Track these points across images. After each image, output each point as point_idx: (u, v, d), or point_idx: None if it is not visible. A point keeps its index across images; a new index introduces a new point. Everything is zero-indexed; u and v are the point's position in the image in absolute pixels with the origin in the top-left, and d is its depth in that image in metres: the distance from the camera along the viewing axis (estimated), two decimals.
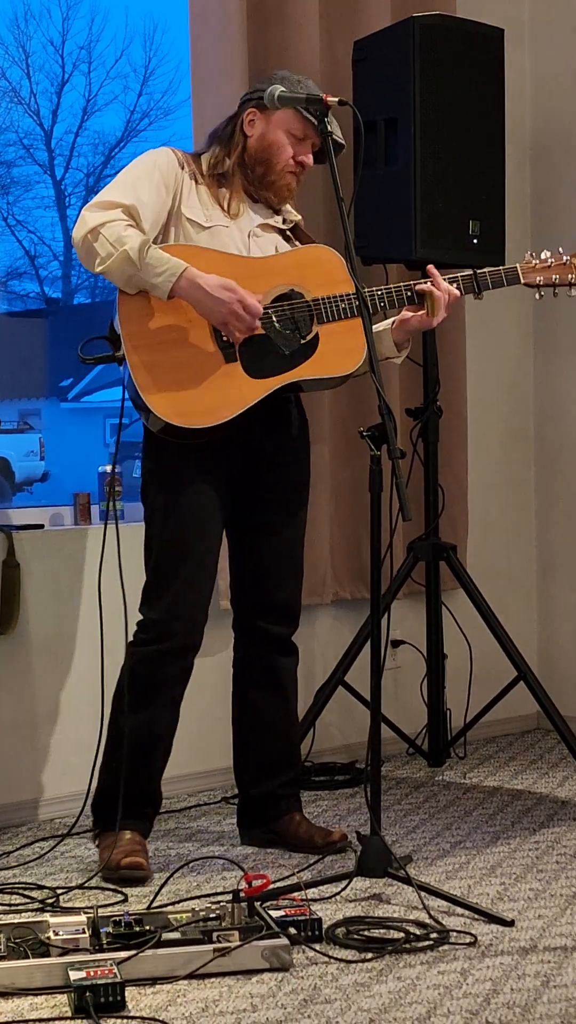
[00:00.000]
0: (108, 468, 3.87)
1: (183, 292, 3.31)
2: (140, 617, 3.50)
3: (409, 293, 3.49)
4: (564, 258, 3.58)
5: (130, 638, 3.49)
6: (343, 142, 3.47)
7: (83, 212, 3.35)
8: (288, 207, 3.62)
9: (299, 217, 3.65)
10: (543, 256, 3.58)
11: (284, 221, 3.61)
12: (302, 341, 3.44)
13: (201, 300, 3.31)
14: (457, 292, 3.50)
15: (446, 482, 4.52)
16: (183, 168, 3.48)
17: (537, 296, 3.62)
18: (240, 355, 3.38)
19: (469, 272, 3.56)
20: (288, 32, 4.28)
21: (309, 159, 3.55)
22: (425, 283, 3.49)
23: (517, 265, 3.58)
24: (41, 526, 4.13)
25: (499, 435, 5.05)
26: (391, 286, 3.50)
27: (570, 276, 3.57)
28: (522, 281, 3.57)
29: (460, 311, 4.66)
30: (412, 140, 4.09)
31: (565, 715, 4.35)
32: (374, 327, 3.47)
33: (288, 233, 3.61)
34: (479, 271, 3.55)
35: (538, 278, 3.57)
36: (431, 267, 3.51)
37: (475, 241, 4.23)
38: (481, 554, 4.89)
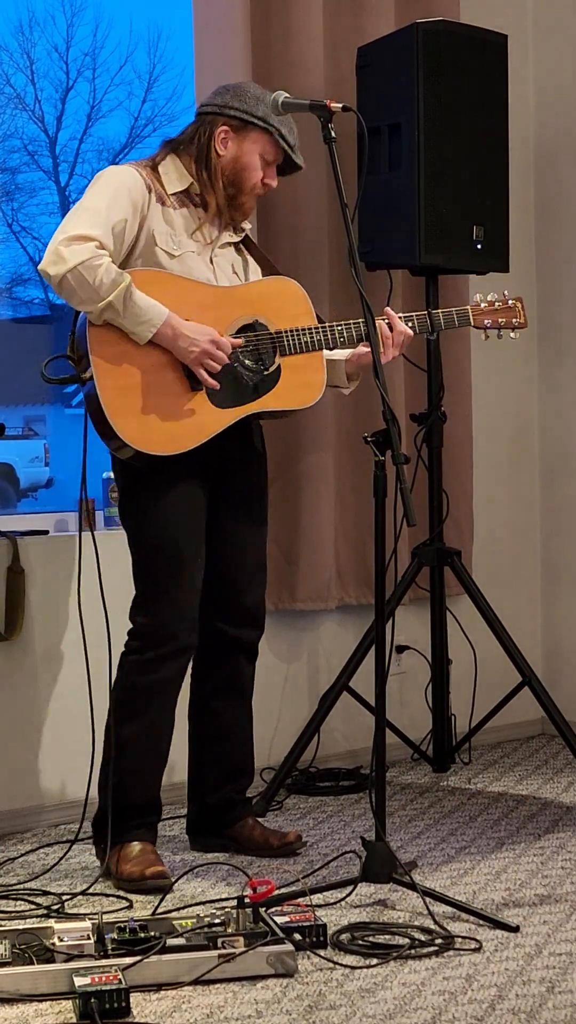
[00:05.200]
0: (111, 475, 3.87)
1: (161, 339, 3.34)
2: (130, 626, 3.51)
3: (366, 330, 3.50)
4: (509, 301, 3.72)
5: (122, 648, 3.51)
6: (303, 165, 3.58)
7: (56, 247, 3.28)
8: None
9: (250, 226, 3.66)
10: (490, 298, 3.71)
11: (236, 229, 3.60)
12: (265, 373, 3.46)
13: (177, 346, 3.34)
14: (411, 332, 3.58)
15: (450, 487, 4.52)
16: (150, 191, 3.44)
17: (483, 337, 3.76)
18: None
19: (424, 312, 3.65)
20: (292, 39, 4.29)
21: (275, 182, 3.58)
22: (382, 320, 3.54)
23: (468, 308, 3.70)
24: (46, 532, 4.14)
25: (504, 440, 5.04)
26: (350, 321, 3.53)
27: (513, 319, 3.73)
28: (472, 324, 3.70)
29: None
30: (416, 146, 4.10)
31: (570, 720, 4.35)
32: (331, 356, 3.59)
33: (240, 244, 3.62)
34: (433, 311, 3.67)
35: (486, 320, 3.71)
36: (388, 309, 3.61)
37: (479, 246, 4.24)
38: (486, 559, 4.89)
